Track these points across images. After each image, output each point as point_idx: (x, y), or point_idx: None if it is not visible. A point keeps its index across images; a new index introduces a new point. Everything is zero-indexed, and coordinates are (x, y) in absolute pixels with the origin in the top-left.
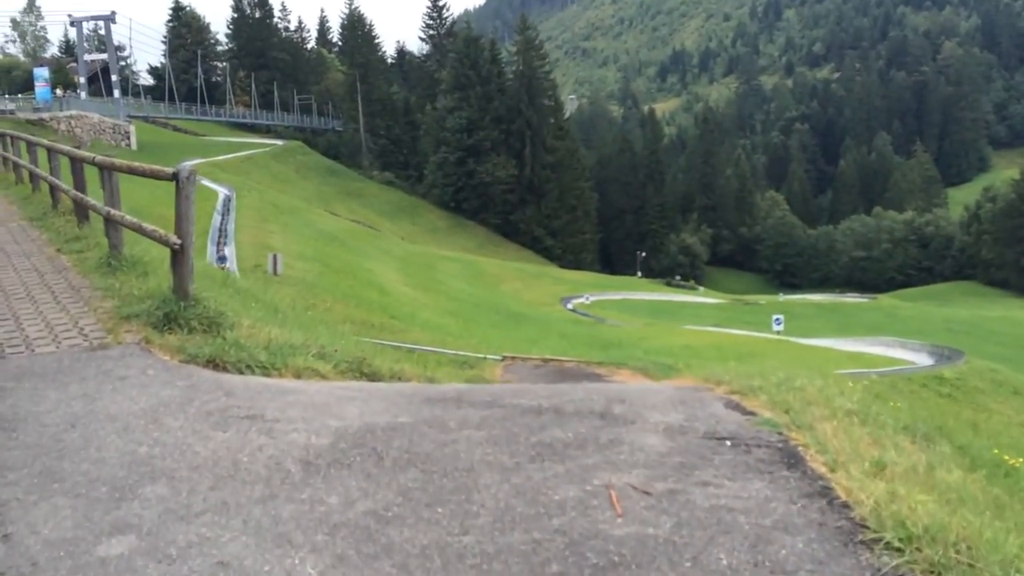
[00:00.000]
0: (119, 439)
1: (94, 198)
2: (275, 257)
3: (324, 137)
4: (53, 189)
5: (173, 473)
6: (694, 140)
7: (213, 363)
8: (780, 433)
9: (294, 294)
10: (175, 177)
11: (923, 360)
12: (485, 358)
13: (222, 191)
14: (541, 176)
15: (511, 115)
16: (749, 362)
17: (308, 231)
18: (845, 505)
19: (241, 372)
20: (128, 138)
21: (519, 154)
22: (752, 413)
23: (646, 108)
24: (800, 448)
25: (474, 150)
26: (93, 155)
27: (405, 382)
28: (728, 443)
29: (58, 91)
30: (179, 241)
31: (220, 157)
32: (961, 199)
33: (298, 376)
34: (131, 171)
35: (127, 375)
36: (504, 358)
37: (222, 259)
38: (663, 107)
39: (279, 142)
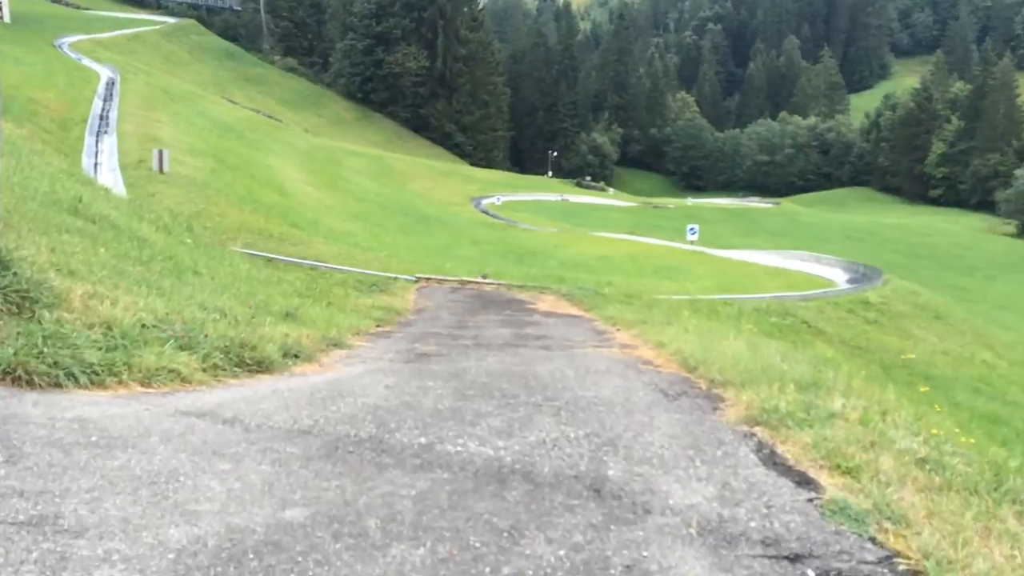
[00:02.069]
0: None
1: None
2: (161, 153)
3: (220, 16)
4: None
5: None
6: (609, 37)
7: (13, 374)
8: (874, 541)
9: (181, 198)
10: None
11: (838, 275)
12: (396, 279)
13: (105, 72)
14: (453, 69)
15: (423, 2)
16: (667, 276)
17: (201, 121)
18: None
19: (59, 385)
20: (0, 9)
21: (431, 45)
22: (806, 479)
23: (561, 1)
24: None
25: (383, 38)
26: None
27: (301, 367)
28: (811, 574)
29: None
30: None
31: (104, 34)
32: (862, 106)
33: (147, 382)
34: None
35: None
36: (418, 279)
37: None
38: (578, 0)
39: (171, 19)
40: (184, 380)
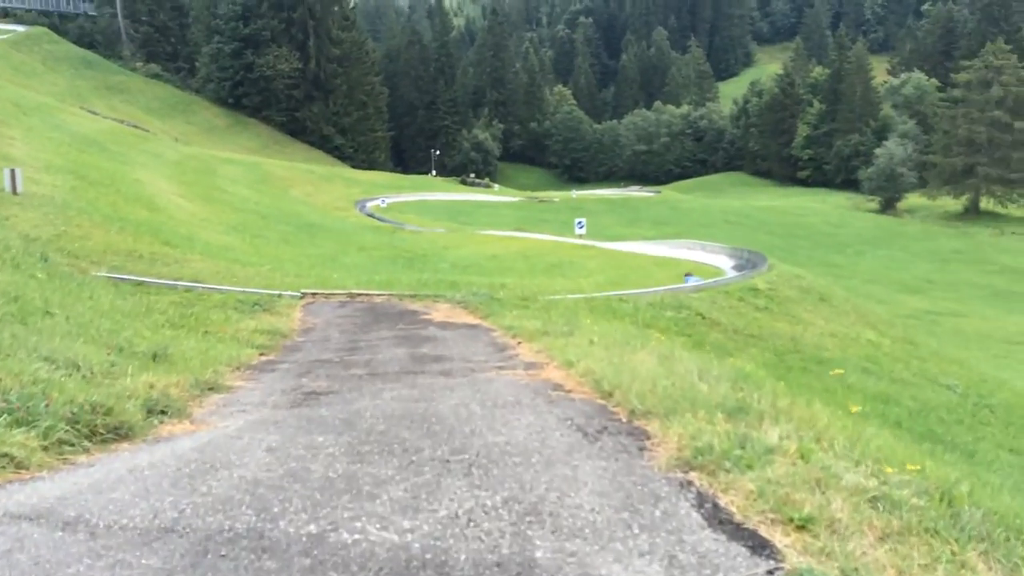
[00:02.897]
0: None
1: None
2: (13, 172)
3: (75, 23)
4: None
5: None
6: (483, 33)
7: None
8: None
9: (38, 220)
10: None
11: (724, 262)
12: (281, 296)
13: None
14: (328, 70)
15: (291, 2)
16: (560, 273)
17: (59, 135)
18: None
19: None
20: None
21: (302, 46)
22: (761, 542)
23: None
24: None
25: (252, 40)
26: None
27: (169, 425)
28: None
29: None
30: None
31: None
32: (730, 93)
33: None
34: None
35: None
36: (303, 295)
37: None
38: None
39: (20, 28)
40: (19, 466)
